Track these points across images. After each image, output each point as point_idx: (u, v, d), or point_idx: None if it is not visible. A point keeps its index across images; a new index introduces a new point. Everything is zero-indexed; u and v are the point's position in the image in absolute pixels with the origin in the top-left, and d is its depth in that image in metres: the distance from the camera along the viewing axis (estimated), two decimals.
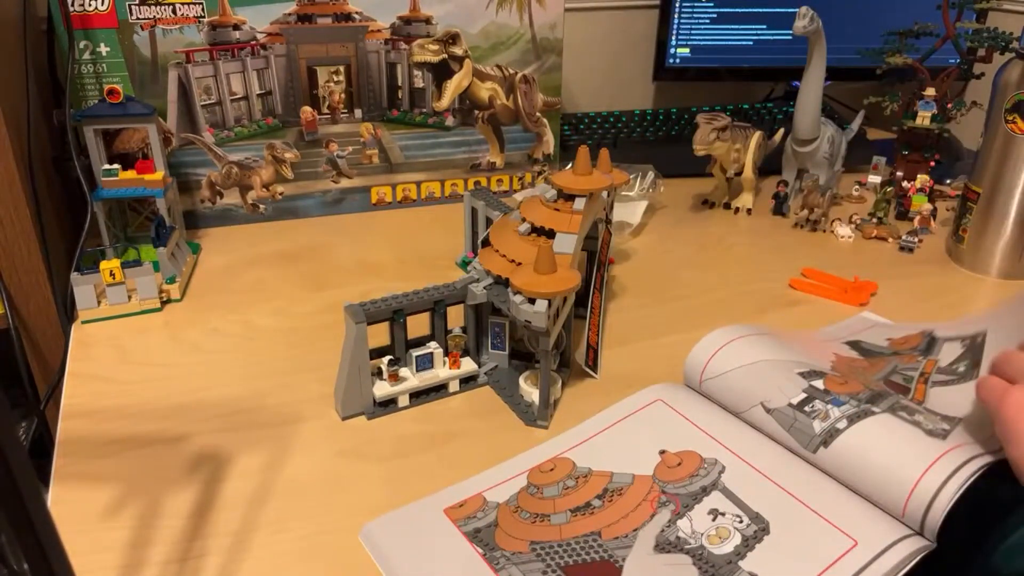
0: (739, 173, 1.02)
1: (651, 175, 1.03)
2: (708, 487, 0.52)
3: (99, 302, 0.75)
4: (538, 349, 0.60)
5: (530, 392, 0.63)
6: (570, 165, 0.69)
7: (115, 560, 0.49)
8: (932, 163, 1.07)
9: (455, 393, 0.66)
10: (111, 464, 0.57)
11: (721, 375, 0.59)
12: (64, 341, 0.76)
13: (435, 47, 0.96)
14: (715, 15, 1.23)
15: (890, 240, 0.96)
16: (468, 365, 0.66)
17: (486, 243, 0.66)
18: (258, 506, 0.53)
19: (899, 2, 1.18)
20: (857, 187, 1.10)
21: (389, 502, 0.53)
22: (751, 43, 1.25)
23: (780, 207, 1.03)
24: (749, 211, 1.03)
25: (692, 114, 1.26)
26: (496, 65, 1.00)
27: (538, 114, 1.05)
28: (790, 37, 0.95)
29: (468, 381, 0.66)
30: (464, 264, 0.87)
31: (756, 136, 1.01)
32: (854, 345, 0.67)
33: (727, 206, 1.05)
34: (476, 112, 1.02)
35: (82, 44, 0.84)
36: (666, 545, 0.48)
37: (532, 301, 0.56)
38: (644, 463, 0.55)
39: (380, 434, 0.61)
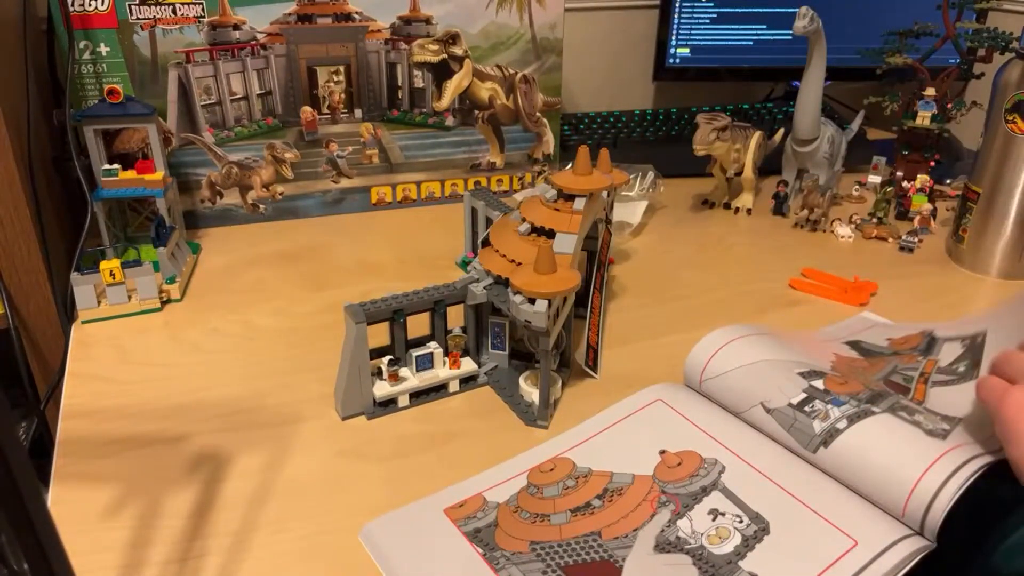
0: (739, 173, 1.02)
1: (651, 175, 1.03)
2: (708, 487, 0.52)
3: (99, 302, 0.75)
4: (538, 349, 0.60)
5: (530, 392, 0.63)
6: (570, 165, 0.69)
7: (115, 560, 0.49)
8: (932, 163, 1.07)
9: (455, 393, 0.66)
10: (111, 464, 0.57)
11: (721, 375, 0.59)
12: (64, 341, 0.76)
13: (435, 47, 0.96)
14: (715, 15, 1.23)
15: (890, 240, 0.96)
16: (468, 365, 0.66)
17: (486, 243, 0.66)
18: (258, 506, 0.53)
19: (899, 2, 1.18)
20: (857, 187, 1.10)
21: (389, 502, 0.53)
22: (751, 43, 1.25)
23: (780, 207, 1.03)
24: (749, 211, 1.03)
25: (692, 114, 1.26)
26: (496, 65, 1.00)
27: (538, 114, 1.05)
28: (790, 37, 0.95)
29: (468, 381, 0.66)
30: (464, 264, 0.87)
31: (756, 136, 1.01)
32: (854, 345, 0.67)
33: (727, 206, 1.05)
34: (476, 112, 1.02)
35: (82, 44, 0.84)
36: (666, 545, 0.48)
37: (532, 301, 0.56)
38: (644, 463, 0.55)
39: (380, 434, 0.61)
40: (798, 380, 0.56)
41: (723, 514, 0.49)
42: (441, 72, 0.98)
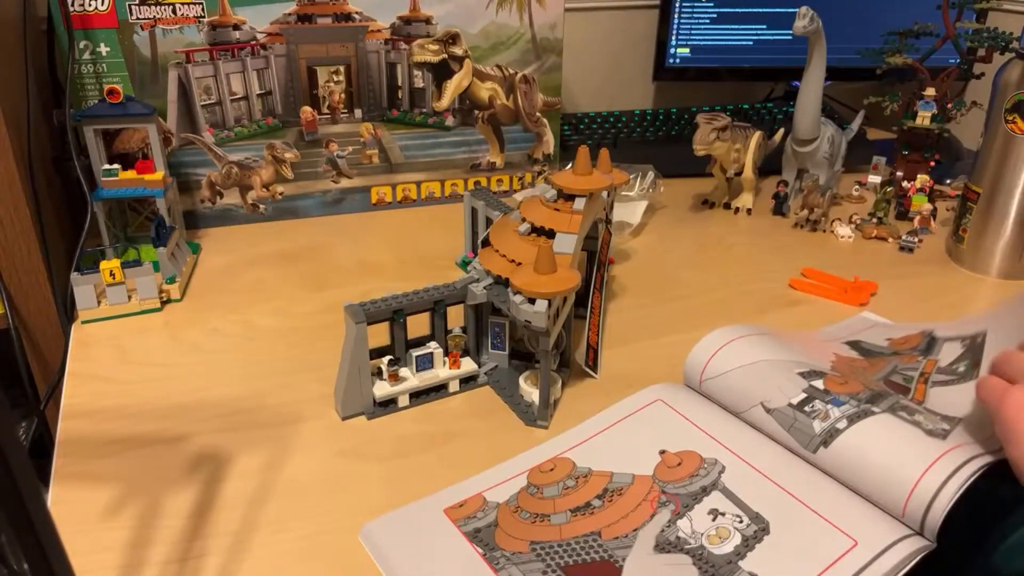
0: (739, 173, 1.02)
1: (651, 175, 1.03)
2: (708, 487, 0.52)
3: (99, 302, 0.75)
4: (538, 349, 0.60)
5: (530, 392, 0.63)
6: (570, 165, 0.69)
7: (115, 560, 0.49)
8: (932, 163, 1.07)
9: (455, 393, 0.66)
10: (111, 464, 0.57)
11: (721, 375, 0.59)
12: (64, 341, 0.76)
13: (435, 47, 0.96)
14: (715, 15, 1.23)
15: (890, 240, 0.96)
16: (468, 365, 0.66)
17: (486, 243, 0.66)
18: (258, 506, 0.53)
19: (899, 2, 1.18)
20: (857, 187, 1.10)
21: (389, 502, 0.53)
22: (751, 43, 1.25)
23: (780, 207, 1.03)
24: (749, 211, 1.03)
25: (692, 114, 1.26)
26: (496, 65, 1.00)
27: (538, 114, 1.05)
28: (790, 37, 0.95)
29: (468, 381, 0.66)
30: (464, 264, 0.87)
31: (756, 136, 1.01)
32: (854, 345, 0.67)
33: (727, 206, 1.05)
34: (476, 112, 1.02)
35: (82, 44, 0.84)
36: (666, 545, 0.48)
37: (532, 301, 0.56)
38: (644, 463, 0.55)
39: (380, 434, 0.61)
40: (798, 380, 0.56)
41: (723, 514, 0.49)
42: (441, 72, 0.98)
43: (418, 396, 0.64)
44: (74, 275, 0.74)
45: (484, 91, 1.01)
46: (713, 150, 0.97)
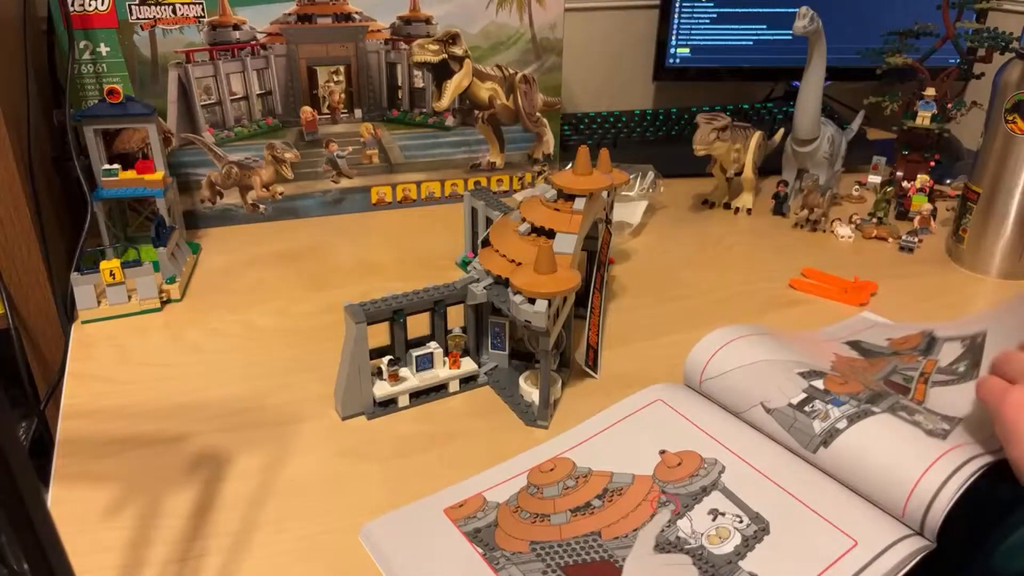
0: (739, 173, 1.02)
1: (651, 175, 1.03)
2: (708, 487, 0.52)
3: (99, 302, 0.75)
4: (538, 349, 0.60)
5: (530, 392, 0.63)
6: (570, 165, 0.69)
7: (115, 560, 0.49)
8: (932, 163, 1.07)
9: (455, 393, 0.66)
10: (111, 464, 0.57)
11: (721, 375, 0.59)
12: (64, 341, 0.76)
13: (435, 47, 0.96)
14: (715, 15, 1.23)
15: (890, 240, 0.96)
16: (468, 365, 0.66)
17: (486, 243, 0.66)
18: (258, 506, 0.53)
19: (899, 2, 1.18)
20: (857, 187, 1.10)
21: (389, 502, 0.53)
22: (751, 43, 1.25)
23: (780, 207, 1.03)
24: (749, 211, 1.03)
25: (692, 114, 1.26)
26: (496, 65, 1.00)
27: (538, 114, 1.05)
28: (790, 37, 0.95)
29: (468, 381, 0.66)
30: (464, 264, 0.87)
31: (756, 136, 1.01)
32: (854, 345, 0.67)
33: (727, 206, 1.05)
34: (476, 112, 1.02)
35: (82, 44, 0.84)
36: (666, 545, 0.48)
37: (532, 301, 0.56)
38: (644, 463, 0.55)
39: (380, 434, 0.61)
40: (798, 380, 0.56)
41: (723, 514, 0.49)
42: (441, 72, 0.98)
43: (418, 396, 0.64)
44: (74, 275, 0.74)
45: (484, 91, 1.01)
46: (713, 150, 0.97)
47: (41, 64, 0.92)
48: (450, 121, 1.01)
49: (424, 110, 1.00)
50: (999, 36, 1.01)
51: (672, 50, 1.25)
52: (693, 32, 1.24)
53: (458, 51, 0.97)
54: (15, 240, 0.78)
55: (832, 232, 0.98)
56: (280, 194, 0.98)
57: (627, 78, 1.34)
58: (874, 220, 0.97)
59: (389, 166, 1.02)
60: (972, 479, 0.45)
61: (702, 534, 0.48)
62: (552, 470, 0.55)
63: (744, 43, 1.25)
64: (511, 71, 1.01)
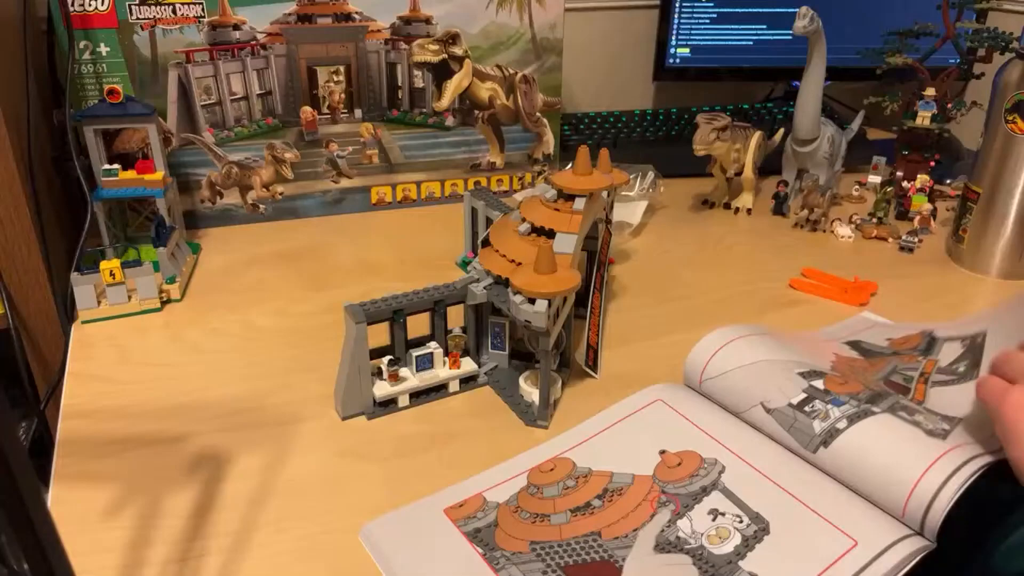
0: (739, 173, 1.02)
1: (651, 175, 1.03)
2: (708, 487, 0.52)
3: (99, 302, 0.75)
4: (538, 349, 0.60)
5: (530, 392, 0.63)
6: (570, 165, 0.69)
7: (115, 560, 0.49)
8: (932, 163, 1.07)
9: (455, 393, 0.66)
10: (111, 464, 0.57)
11: (721, 375, 0.59)
12: (64, 341, 0.76)
13: (435, 47, 0.96)
14: (715, 15, 1.23)
15: (890, 240, 0.96)
16: (468, 365, 0.66)
17: (486, 243, 0.66)
18: (258, 506, 0.53)
19: (899, 2, 1.18)
20: (857, 187, 1.10)
21: (389, 502, 0.53)
22: (751, 43, 1.25)
23: (780, 207, 1.03)
24: (749, 211, 1.03)
25: (692, 114, 1.26)
26: (496, 65, 1.00)
27: (538, 114, 1.05)
28: (790, 37, 0.95)
29: (468, 381, 0.66)
30: (464, 264, 0.87)
31: (756, 136, 1.01)
32: (854, 345, 0.67)
33: (727, 206, 1.05)
34: (476, 112, 1.02)
35: (82, 44, 0.84)
36: (666, 545, 0.48)
37: (532, 301, 0.56)
38: (644, 463, 0.55)
39: (380, 434, 0.61)
40: (798, 380, 0.56)
41: (723, 514, 0.49)
42: (441, 72, 0.98)
43: (418, 396, 0.64)
44: (74, 275, 0.74)
45: (484, 91, 1.01)
46: (713, 150, 0.97)
47: (41, 64, 0.92)
48: (450, 121, 1.01)
49: (424, 110, 1.00)
50: (999, 36, 1.01)
51: (672, 50, 1.25)
52: (693, 32, 1.24)
53: (458, 51, 0.97)
54: (15, 240, 0.78)
55: (832, 232, 0.98)
56: (280, 194, 0.98)
57: (627, 78, 1.34)
58: (874, 220, 0.97)
59: (389, 166, 1.02)
60: (972, 479, 0.45)
61: (702, 534, 0.48)
62: (552, 470, 0.55)
63: (744, 43, 1.25)
64: (511, 71, 1.01)
